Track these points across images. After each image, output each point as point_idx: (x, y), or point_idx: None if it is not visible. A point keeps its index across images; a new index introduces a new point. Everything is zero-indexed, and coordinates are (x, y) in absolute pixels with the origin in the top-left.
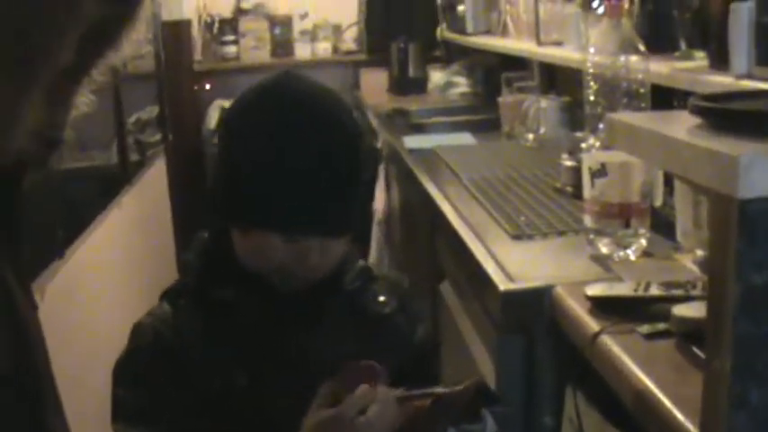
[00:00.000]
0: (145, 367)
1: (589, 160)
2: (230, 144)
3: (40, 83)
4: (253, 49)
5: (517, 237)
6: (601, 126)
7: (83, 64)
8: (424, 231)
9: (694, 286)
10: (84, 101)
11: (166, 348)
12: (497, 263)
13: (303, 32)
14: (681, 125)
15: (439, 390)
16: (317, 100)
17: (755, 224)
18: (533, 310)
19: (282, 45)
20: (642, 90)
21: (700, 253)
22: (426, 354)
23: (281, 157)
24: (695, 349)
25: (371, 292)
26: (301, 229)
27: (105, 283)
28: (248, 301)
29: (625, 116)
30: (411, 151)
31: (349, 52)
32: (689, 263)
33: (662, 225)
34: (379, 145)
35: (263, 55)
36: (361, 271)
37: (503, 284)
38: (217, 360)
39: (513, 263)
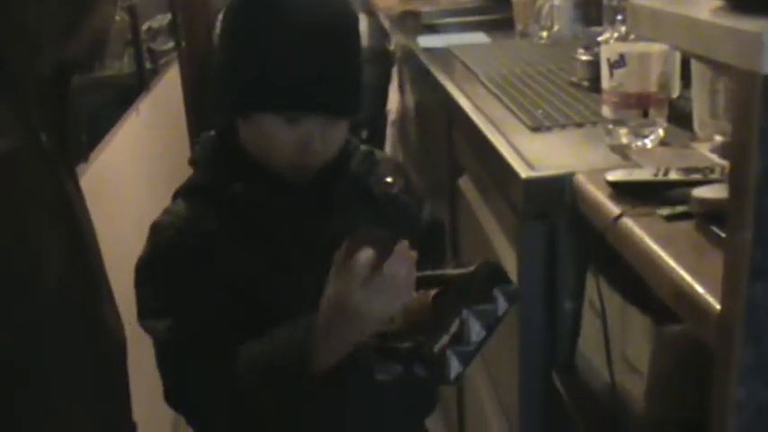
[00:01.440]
0: (168, 263)
1: (608, 51)
2: (230, 34)
3: None
4: None
5: (536, 129)
6: (618, 18)
7: None
8: (441, 129)
9: (712, 171)
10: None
11: (188, 243)
12: (518, 153)
13: None
14: (702, 6)
15: (450, 272)
16: None
17: None
18: (555, 197)
19: None
20: None
21: (718, 139)
22: (434, 231)
23: (279, 40)
24: (715, 229)
25: (377, 174)
26: (301, 107)
27: (126, 185)
28: (259, 193)
29: (646, 1)
30: (425, 51)
31: None
32: (706, 150)
33: (679, 116)
34: (391, 47)
35: None
36: (366, 155)
37: (525, 172)
38: (236, 251)
39: (533, 153)
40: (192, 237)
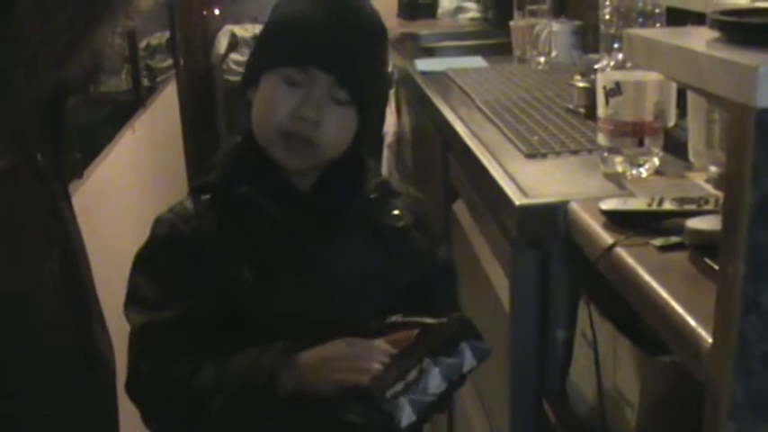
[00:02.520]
0: (159, 258)
1: (604, 79)
2: (266, 24)
3: (110, 6)
4: None
5: (531, 155)
6: (615, 45)
7: None
8: (437, 153)
9: (707, 201)
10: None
11: (180, 242)
12: (513, 180)
13: None
14: (699, 39)
15: (427, 320)
16: None
17: None
18: (548, 225)
19: None
20: (657, 10)
21: (713, 169)
22: (446, 276)
23: (303, 12)
24: (708, 260)
25: (389, 205)
26: (303, 58)
27: (121, 202)
28: (267, 197)
29: (643, 31)
30: (422, 74)
31: None
32: (701, 181)
33: (674, 145)
34: (389, 69)
35: None
36: (381, 184)
37: (518, 200)
38: (229, 256)
39: (528, 180)
40: (187, 235)
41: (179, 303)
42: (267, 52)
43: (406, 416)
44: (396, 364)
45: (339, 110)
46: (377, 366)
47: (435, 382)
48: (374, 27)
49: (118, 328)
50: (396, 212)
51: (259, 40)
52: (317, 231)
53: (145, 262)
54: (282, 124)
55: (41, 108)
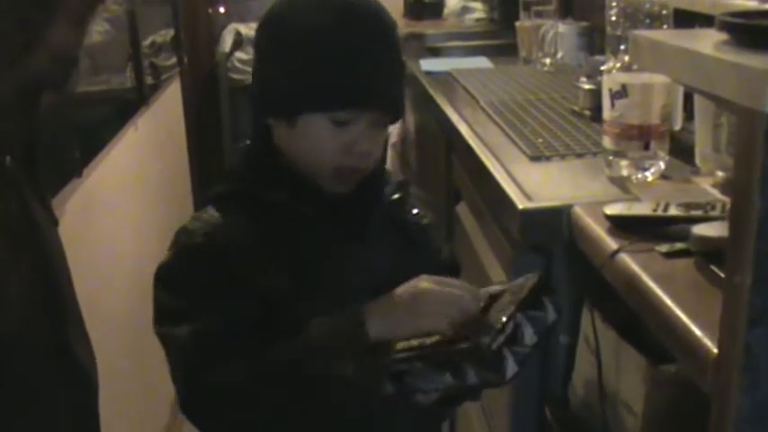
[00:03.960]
0: (194, 269)
1: (610, 81)
2: (276, 38)
3: (65, 6)
4: None
5: (535, 158)
6: (622, 47)
7: None
8: (441, 154)
9: (713, 207)
10: (98, 29)
11: (217, 251)
12: (516, 183)
13: None
14: (707, 41)
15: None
16: None
17: None
18: (552, 230)
19: None
20: (665, 12)
21: (720, 174)
22: (458, 271)
23: (329, 38)
24: (714, 268)
25: (409, 203)
26: (352, 105)
27: (122, 201)
28: (300, 203)
29: (650, 33)
30: (427, 74)
31: None
32: (707, 186)
33: (680, 149)
34: None
35: None
36: (401, 184)
37: (521, 203)
38: (264, 263)
39: (532, 183)
40: (221, 243)
41: (224, 309)
42: (306, 91)
43: (511, 368)
44: (488, 316)
45: (380, 130)
46: (460, 310)
47: (530, 333)
48: (395, 37)
49: (119, 328)
50: (416, 210)
51: (283, 69)
52: (350, 231)
53: (173, 276)
54: (335, 162)
55: (8, 110)
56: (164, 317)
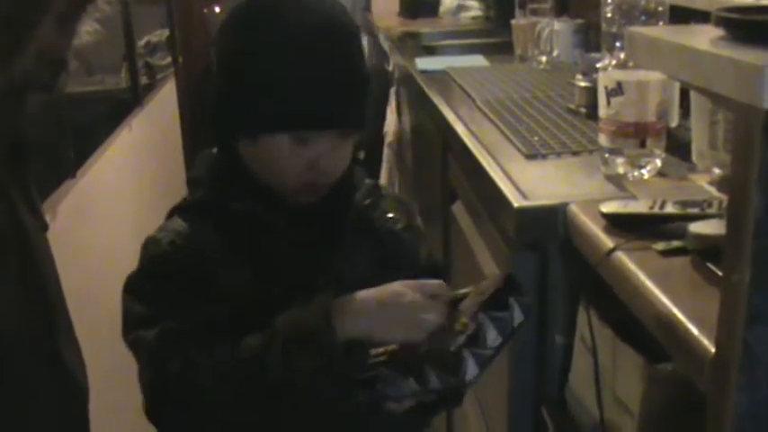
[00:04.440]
0: (161, 277)
1: (605, 78)
2: (234, 52)
3: (52, 7)
4: None
5: (531, 156)
6: (618, 45)
7: None
8: (437, 153)
9: (710, 205)
10: (88, 30)
11: (184, 261)
12: (512, 181)
13: None
14: (703, 37)
15: (462, 291)
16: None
17: None
18: (547, 228)
19: None
20: (660, 8)
21: (717, 171)
22: (436, 274)
23: (288, 57)
24: (711, 266)
25: (381, 209)
26: (314, 126)
27: (116, 202)
28: (262, 213)
29: (645, 29)
30: (423, 72)
31: None
32: (704, 183)
33: (676, 146)
34: (390, 67)
35: None
36: (371, 188)
37: (517, 202)
38: (232, 270)
39: (528, 181)
40: (188, 251)
41: (193, 312)
42: (263, 114)
43: (471, 370)
44: (452, 319)
45: (345, 143)
46: (435, 318)
47: (492, 335)
48: (354, 46)
49: (112, 330)
50: (390, 215)
51: (239, 88)
52: (320, 240)
53: (142, 285)
54: (299, 178)
55: None
56: (133, 324)
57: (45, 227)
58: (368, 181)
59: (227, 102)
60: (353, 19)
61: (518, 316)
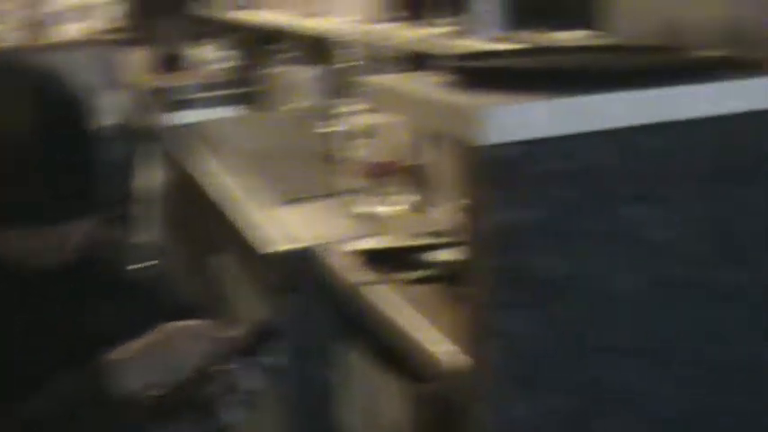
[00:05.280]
0: None
1: (350, 123)
2: None
3: None
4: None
5: (286, 202)
6: (360, 91)
7: None
8: (196, 205)
9: (450, 233)
10: None
11: None
12: (265, 228)
13: (58, 12)
14: (431, 83)
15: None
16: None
17: (499, 167)
18: (301, 270)
19: (36, 25)
20: (399, 56)
21: (454, 203)
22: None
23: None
24: (455, 289)
25: (124, 261)
26: (20, 224)
27: None
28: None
29: (378, 78)
30: (174, 127)
31: (109, 31)
32: (446, 215)
33: (421, 182)
34: (144, 122)
35: (16, 36)
36: (113, 242)
37: (270, 247)
38: None
39: (282, 227)
40: None
41: None
42: None
43: (225, 415)
44: (211, 362)
45: (80, 226)
46: (195, 360)
47: (249, 380)
48: (58, 143)
49: None
50: (137, 265)
51: None
52: (59, 301)
53: None
54: (22, 261)
55: None
56: None
57: None
58: (109, 235)
59: None
60: (70, 98)
61: (274, 360)
